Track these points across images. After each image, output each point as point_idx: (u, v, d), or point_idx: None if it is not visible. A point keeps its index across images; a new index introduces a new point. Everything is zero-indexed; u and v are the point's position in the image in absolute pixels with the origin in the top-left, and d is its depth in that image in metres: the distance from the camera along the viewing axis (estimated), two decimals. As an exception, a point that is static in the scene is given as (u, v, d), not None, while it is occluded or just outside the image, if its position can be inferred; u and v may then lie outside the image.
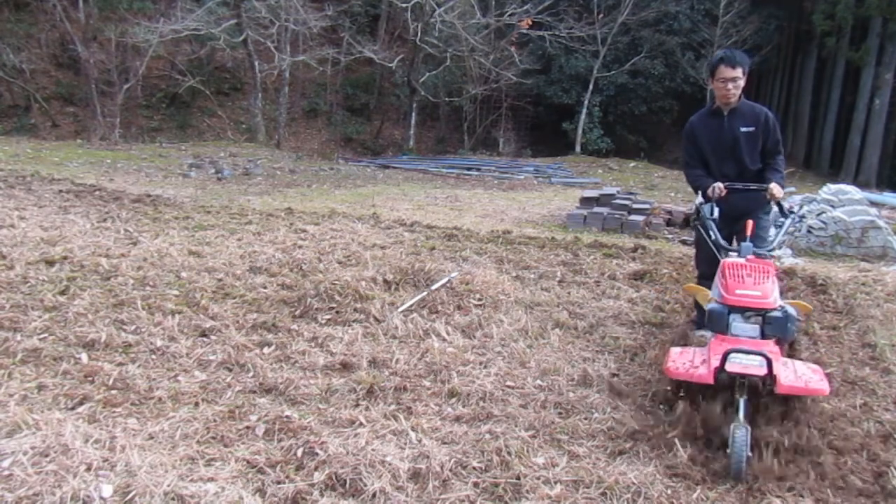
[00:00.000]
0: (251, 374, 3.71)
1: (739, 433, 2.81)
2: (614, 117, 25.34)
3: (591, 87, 24.09)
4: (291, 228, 7.56)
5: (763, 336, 3.21)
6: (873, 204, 10.58)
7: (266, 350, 4.06)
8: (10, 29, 21.54)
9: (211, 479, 2.62)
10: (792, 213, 4.08)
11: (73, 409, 3.15)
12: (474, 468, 2.84)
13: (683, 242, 8.47)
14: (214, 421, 3.13)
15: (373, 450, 2.86)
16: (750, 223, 3.89)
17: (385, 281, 5.19)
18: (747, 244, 3.65)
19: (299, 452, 2.86)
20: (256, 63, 21.08)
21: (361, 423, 3.16)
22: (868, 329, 4.98)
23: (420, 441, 2.99)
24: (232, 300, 4.92)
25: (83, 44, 20.25)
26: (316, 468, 2.74)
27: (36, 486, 2.41)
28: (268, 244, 6.67)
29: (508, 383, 3.75)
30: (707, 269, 4.25)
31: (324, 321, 4.58)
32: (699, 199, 4.19)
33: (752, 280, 3.31)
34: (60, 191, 9.14)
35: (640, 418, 3.32)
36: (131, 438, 2.86)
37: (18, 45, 21.06)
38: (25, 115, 20.96)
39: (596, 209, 9.72)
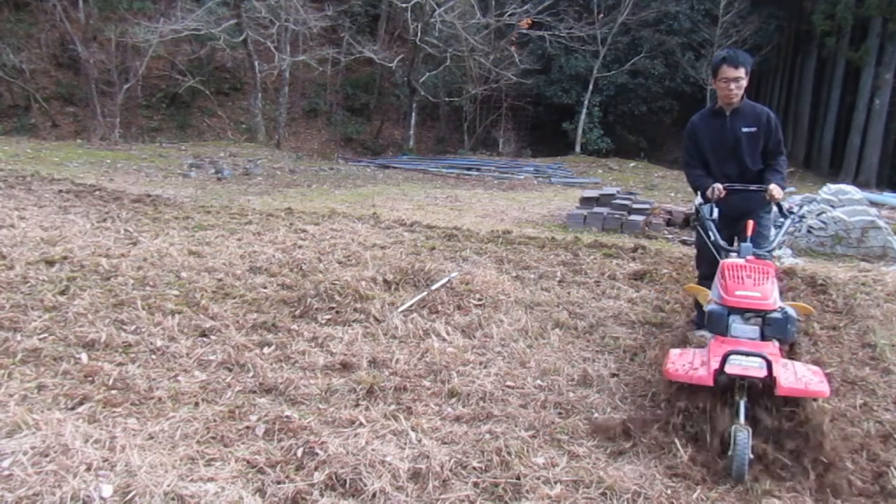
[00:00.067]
0: (251, 374, 3.71)
1: (741, 435, 2.81)
2: (614, 117, 25.34)
3: (591, 87, 24.09)
4: (291, 228, 7.56)
5: (763, 337, 3.20)
6: (873, 204, 10.57)
7: (266, 350, 4.06)
8: (10, 29, 21.54)
9: (211, 479, 2.62)
10: (791, 213, 4.07)
11: (73, 409, 3.16)
12: (474, 468, 2.84)
13: (683, 242, 8.47)
14: (214, 421, 3.13)
15: (373, 450, 2.86)
16: (751, 223, 3.88)
17: (385, 281, 5.19)
18: (747, 245, 3.64)
19: (299, 452, 2.86)
20: (256, 63, 21.08)
21: (361, 423, 3.16)
22: (868, 329, 4.98)
23: (420, 441, 2.99)
24: (232, 300, 4.92)
25: (83, 44, 20.25)
26: (316, 468, 2.75)
27: (36, 486, 2.41)
28: (268, 244, 6.67)
29: (508, 383, 3.75)
30: (708, 269, 4.24)
31: (324, 321, 4.58)
32: (699, 199, 4.18)
33: (751, 281, 3.30)
34: (60, 191, 9.14)
35: (638, 418, 3.31)
36: (131, 438, 2.86)
37: (18, 45, 21.06)
38: (25, 115, 20.96)
39: (596, 209, 9.72)
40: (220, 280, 5.35)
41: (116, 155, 15.16)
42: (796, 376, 2.99)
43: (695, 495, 2.74)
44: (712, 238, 3.86)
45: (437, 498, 2.63)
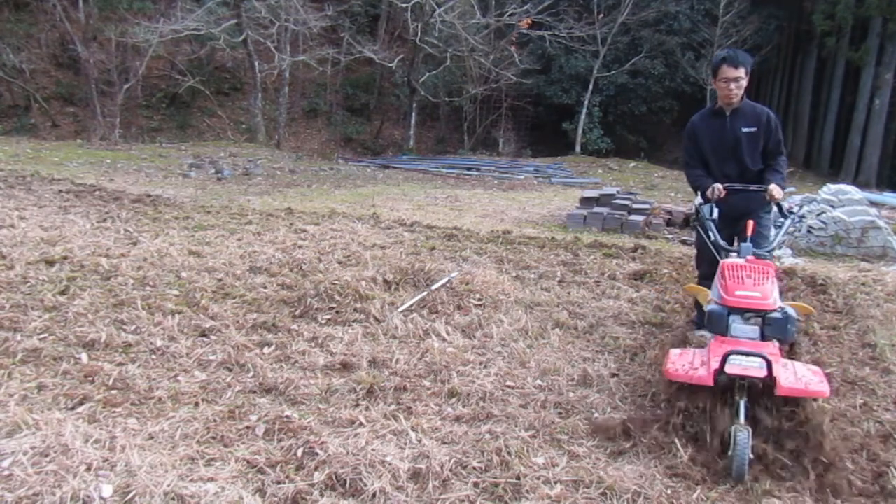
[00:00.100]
0: (251, 374, 3.71)
1: (741, 435, 2.80)
2: (614, 117, 25.34)
3: (591, 87, 24.09)
4: (291, 228, 7.56)
5: (763, 337, 3.20)
6: (873, 204, 10.57)
7: (266, 350, 4.06)
8: (10, 29, 21.54)
9: (211, 479, 2.62)
10: (791, 213, 4.06)
11: (73, 409, 3.16)
12: (474, 468, 2.84)
13: (683, 242, 8.46)
14: (214, 421, 3.13)
15: (373, 450, 2.86)
16: (751, 223, 3.88)
17: (385, 281, 5.19)
18: (747, 245, 3.64)
19: (299, 452, 2.86)
20: (256, 63, 21.08)
21: (361, 423, 3.16)
22: (868, 329, 4.98)
23: (420, 441, 2.99)
24: (232, 300, 4.92)
25: (83, 44, 20.25)
26: (316, 468, 2.75)
27: (36, 486, 2.41)
28: (268, 244, 6.67)
29: (508, 383, 3.75)
30: (708, 269, 4.24)
31: (324, 321, 4.58)
32: (699, 199, 4.18)
33: (751, 281, 3.30)
34: (60, 191, 9.14)
35: (638, 418, 3.31)
36: (131, 438, 2.86)
37: (18, 45, 21.06)
38: (25, 115, 20.96)
39: (596, 209, 9.72)
40: (220, 280, 5.35)
41: (116, 155, 15.16)
42: (796, 376, 2.98)
43: (695, 495, 2.74)
44: (712, 238, 3.86)
45: (437, 498, 2.63)
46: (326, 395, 3.51)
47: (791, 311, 3.26)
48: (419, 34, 21.64)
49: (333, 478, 2.68)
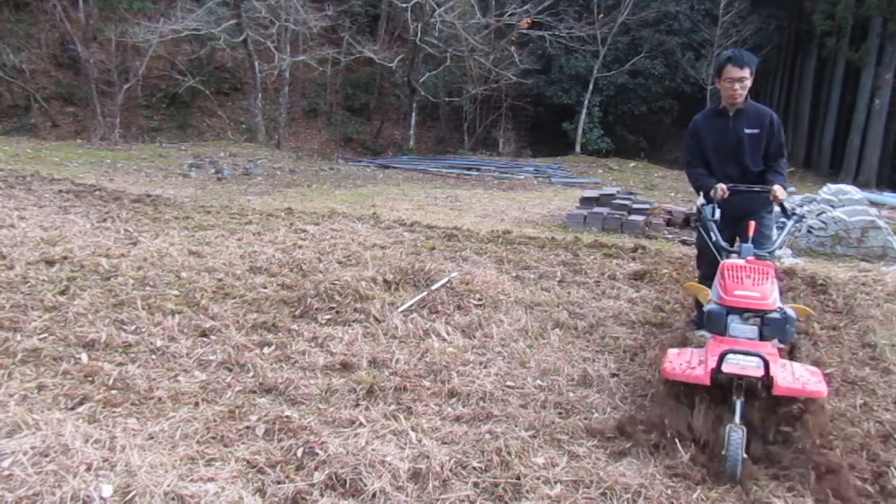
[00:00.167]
0: (251, 374, 3.71)
1: (735, 434, 2.80)
2: (614, 117, 25.34)
3: (591, 87, 24.09)
4: (291, 228, 7.56)
5: (761, 337, 3.20)
6: (873, 204, 10.58)
7: (266, 350, 4.06)
8: (10, 29, 21.54)
9: (211, 479, 2.62)
10: (794, 214, 4.05)
11: (73, 409, 3.16)
12: (474, 468, 2.84)
13: (683, 242, 8.47)
14: (214, 421, 3.13)
15: (373, 450, 2.86)
16: (752, 224, 3.87)
17: (385, 281, 5.19)
18: (748, 245, 3.64)
19: (299, 452, 2.86)
20: (256, 63, 21.08)
21: (361, 423, 3.16)
22: (868, 329, 4.98)
23: (420, 441, 2.99)
24: (232, 300, 4.92)
25: (83, 44, 20.25)
26: (316, 468, 2.75)
27: (36, 486, 2.41)
28: (268, 244, 6.67)
29: (508, 383, 3.75)
30: (709, 269, 4.23)
31: (324, 321, 4.58)
32: (701, 199, 4.17)
33: (751, 281, 3.29)
34: (60, 191, 9.15)
35: (638, 419, 3.31)
36: (131, 438, 2.86)
37: (18, 45, 21.06)
38: (25, 115, 20.96)
39: (596, 209, 9.72)
40: (220, 280, 5.35)
41: (116, 155, 15.16)
42: (794, 376, 2.98)
43: (695, 495, 2.74)
44: (713, 239, 3.85)
45: (437, 498, 2.63)
46: (326, 395, 3.51)
47: (790, 312, 3.25)
48: (419, 34, 21.64)
49: (333, 478, 2.68)
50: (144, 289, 5.00)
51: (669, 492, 2.75)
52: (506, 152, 24.30)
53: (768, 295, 3.23)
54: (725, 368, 2.91)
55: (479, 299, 5.05)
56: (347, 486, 2.65)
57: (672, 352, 3.32)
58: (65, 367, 3.58)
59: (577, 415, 3.42)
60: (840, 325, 5.11)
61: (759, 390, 3.02)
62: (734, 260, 3.54)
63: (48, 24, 22.22)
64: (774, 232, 4.39)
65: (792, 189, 14.93)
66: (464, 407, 3.44)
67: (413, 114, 24.32)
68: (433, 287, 5.06)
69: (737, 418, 2.89)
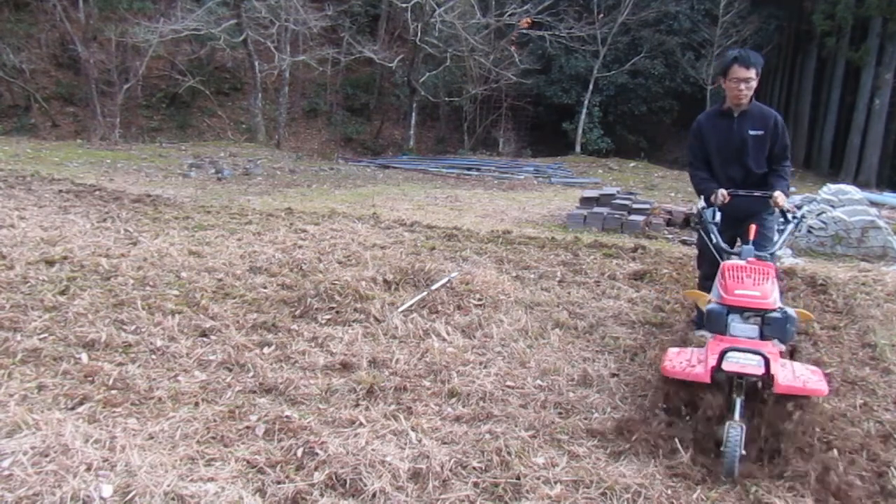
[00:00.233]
0: (251, 374, 3.71)
1: (733, 432, 2.80)
2: (614, 117, 25.34)
3: (591, 87, 24.09)
4: (291, 228, 7.56)
5: (762, 337, 3.20)
6: (873, 204, 10.58)
7: (266, 350, 4.06)
8: (10, 29, 21.54)
9: (211, 479, 2.62)
10: (795, 217, 4.04)
11: (73, 409, 3.15)
12: (474, 468, 2.84)
13: (683, 242, 8.47)
14: (214, 421, 3.13)
15: (373, 450, 2.86)
16: (753, 227, 3.86)
17: (385, 281, 5.19)
18: (748, 247, 3.64)
19: (299, 452, 2.86)
20: (256, 63, 21.08)
21: (361, 423, 3.16)
22: (868, 329, 4.98)
23: (420, 441, 2.99)
24: (232, 300, 4.92)
25: (83, 44, 20.25)
26: (316, 468, 2.75)
27: (36, 486, 2.41)
28: (268, 244, 6.67)
29: (508, 383, 3.75)
30: (709, 269, 4.22)
31: (324, 321, 4.58)
32: (701, 202, 4.16)
33: (751, 281, 3.29)
34: (60, 191, 9.14)
35: (638, 418, 3.31)
36: (131, 438, 2.86)
37: (18, 45, 21.06)
38: (25, 115, 20.96)
39: (596, 209, 9.72)
40: (220, 280, 5.35)
41: (116, 155, 15.16)
42: (794, 374, 2.98)
43: (695, 495, 2.74)
44: (714, 241, 3.85)
45: (437, 498, 2.63)
46: (326, 395, 3.51)
47: (791, 311, 3.25)
48: (419, 34, 21.64)
49: (333, 478, 2.68)
50: (144, 289, 5.00)
51: (669, 492, 2.75)
52: (506, 152, 24.30)
53: (769, 294, 3.23)
54: (726, 366, 2.91)
55: (479, 299, 5.05)
56: (347, 486, 2.65)
57: (672, 351, 3.32)
58: (65, 367, 3.58)
59: (577, 415, 3.42)
60: (840, 325, 5.11)
61: (759, 389, 3.02)
62: (735, 261, 3.54)
63: (48, 24, 22.22)
64: (776, 233, 4.38)
65: (792, 189, 14.92)
66: (464, 407, 3.44)
67: (413, 114, 24.32)
68: (433, 287, 5.06)
69: (736, 416, 2.89)
